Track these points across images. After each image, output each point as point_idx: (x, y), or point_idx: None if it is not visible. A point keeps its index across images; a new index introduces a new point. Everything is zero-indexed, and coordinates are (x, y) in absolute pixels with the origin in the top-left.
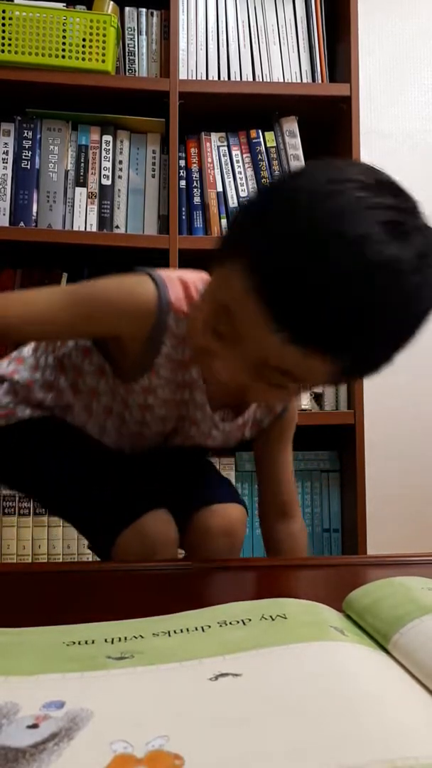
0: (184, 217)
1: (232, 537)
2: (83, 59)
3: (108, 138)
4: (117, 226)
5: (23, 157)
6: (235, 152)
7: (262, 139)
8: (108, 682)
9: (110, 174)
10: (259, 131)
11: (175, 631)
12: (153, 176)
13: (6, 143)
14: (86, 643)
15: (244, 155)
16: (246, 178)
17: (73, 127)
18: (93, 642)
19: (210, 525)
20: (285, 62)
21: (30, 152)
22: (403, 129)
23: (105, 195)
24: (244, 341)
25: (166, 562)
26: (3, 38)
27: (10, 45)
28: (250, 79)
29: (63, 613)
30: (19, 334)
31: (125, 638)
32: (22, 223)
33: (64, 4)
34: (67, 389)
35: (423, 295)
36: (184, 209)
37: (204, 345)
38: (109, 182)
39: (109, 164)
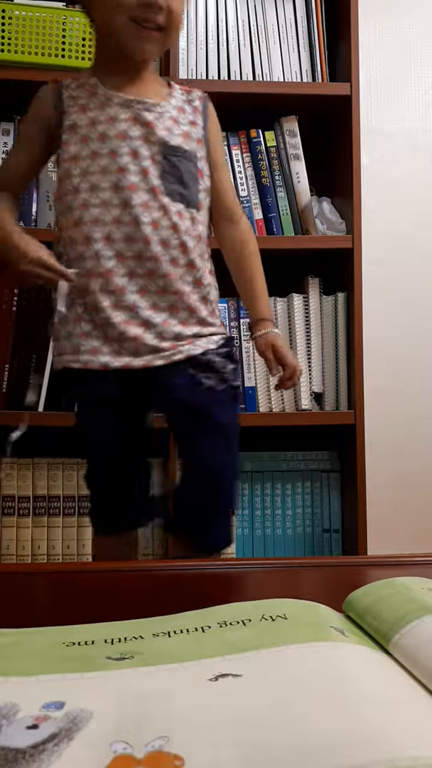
0: None
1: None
2: (83, 59)
3: None
4: None
5: None
6: (235, 152)
7: (262, 139)
8: (108, 682)
9: None
10: (259, 131)
11: (175, 632)
12: None
13: (5, 143)
14: (86, 643)
15: (244, 155)
16: (246, 177)
17: None
18: (93, 643)
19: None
20: (285, 62)
21: None
22: (403, 129)
23: None
24: None
25: (166, 563)
26: (3, 38)
27: (9, 45)
28: (250, 78)
29: (63, 614)
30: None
31: (125, 639)
32: (21, 223)
33: (64, 4)
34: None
35: None
36: None
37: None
38: None
39: None
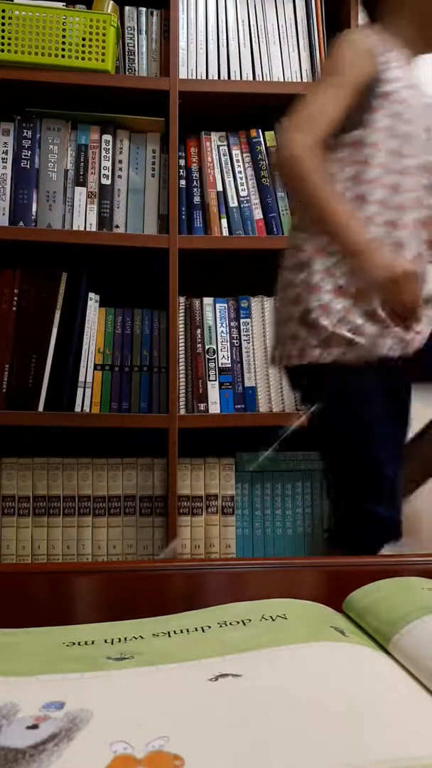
0: (183, 217)
1: None
2: (83, 58)
3: (108, 137)
4: (117, 226)
5: (23, 156)
6: (235, 152)
7: (262, 139)
8: (108, 682)
9: (110, 173)
10: (260, 130)
11: (174, 632)
12: (153, 176)
13: (5, 143)
14: (86, 643)
15: (245, 154)
16: (246, 177)
17: (73, 126)
18: (93, 643)
19: None
20: (285, 61)
21: (30, 152)
22: None
23: (105, 194)
24: None
25: (166, 563)
26: (3, 38)
27: (10, 44)
28: (250, 78)
29: (63, 614)
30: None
31: (125, 639)
32: (21, 223)
33: (64, 4)
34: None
35: None
36: (183, 209)
37: None
38: (108, 182)
39: (108, 164)
